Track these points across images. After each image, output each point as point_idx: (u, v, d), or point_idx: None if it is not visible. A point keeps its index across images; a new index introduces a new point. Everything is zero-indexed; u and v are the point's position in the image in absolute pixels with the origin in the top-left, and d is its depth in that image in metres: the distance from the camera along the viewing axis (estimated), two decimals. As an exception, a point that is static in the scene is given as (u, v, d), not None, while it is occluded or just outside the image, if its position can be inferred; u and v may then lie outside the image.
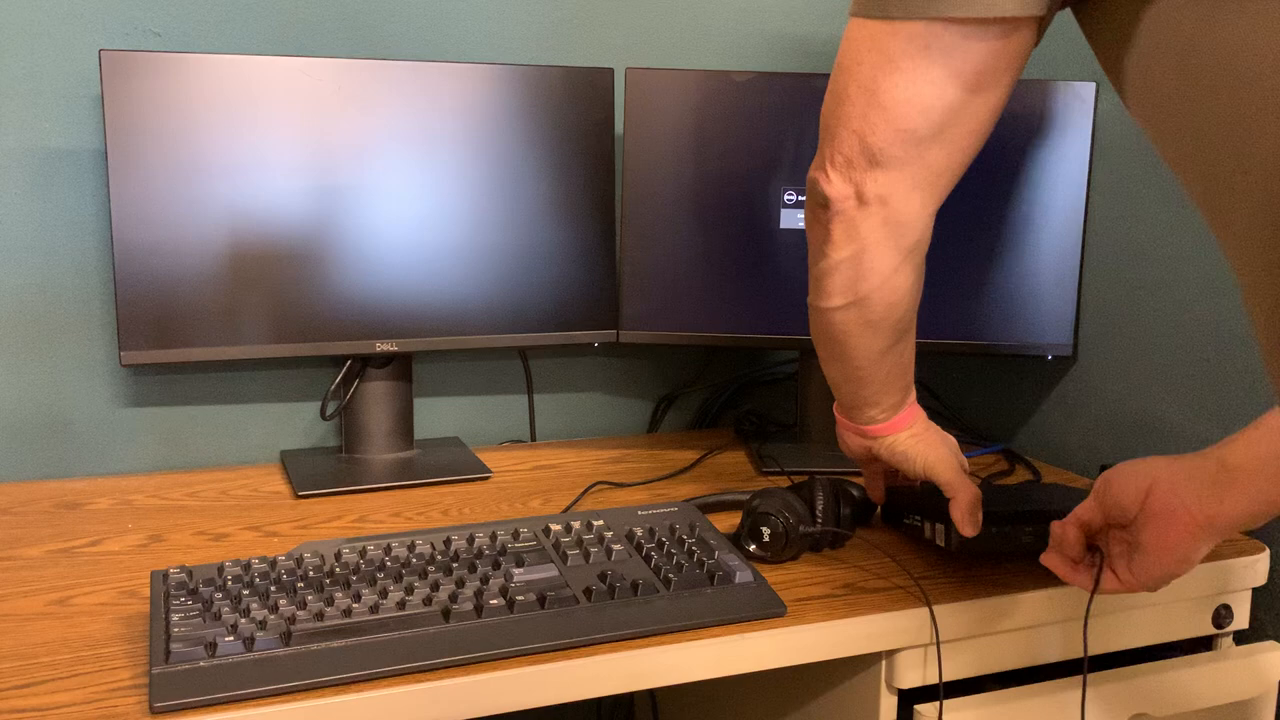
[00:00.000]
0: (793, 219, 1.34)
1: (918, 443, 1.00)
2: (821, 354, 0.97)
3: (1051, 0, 0.77)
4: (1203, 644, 1.10)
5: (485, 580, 0.91)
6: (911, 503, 1.06)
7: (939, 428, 1.03)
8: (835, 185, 0.84)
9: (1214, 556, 1.06)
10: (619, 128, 1.42)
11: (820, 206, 0.86)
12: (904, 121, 0.80)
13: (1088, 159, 1.33)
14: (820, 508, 1.03)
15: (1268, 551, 1.09)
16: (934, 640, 0.94)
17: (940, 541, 0.99)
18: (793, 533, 1.00)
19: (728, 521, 1.10)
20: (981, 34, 0.77)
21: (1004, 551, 0.98)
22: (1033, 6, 0.76)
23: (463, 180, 1.28)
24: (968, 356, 1.57)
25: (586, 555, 0.96)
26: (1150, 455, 0.84)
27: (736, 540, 1.03)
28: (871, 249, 0.86)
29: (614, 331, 1.37)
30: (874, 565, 1.03)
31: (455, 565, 0.93)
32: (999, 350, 1.36)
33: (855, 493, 1.09)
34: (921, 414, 1.02)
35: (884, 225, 0.84)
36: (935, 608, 0.94)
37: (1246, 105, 0.65)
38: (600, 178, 1.34)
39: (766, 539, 1.01)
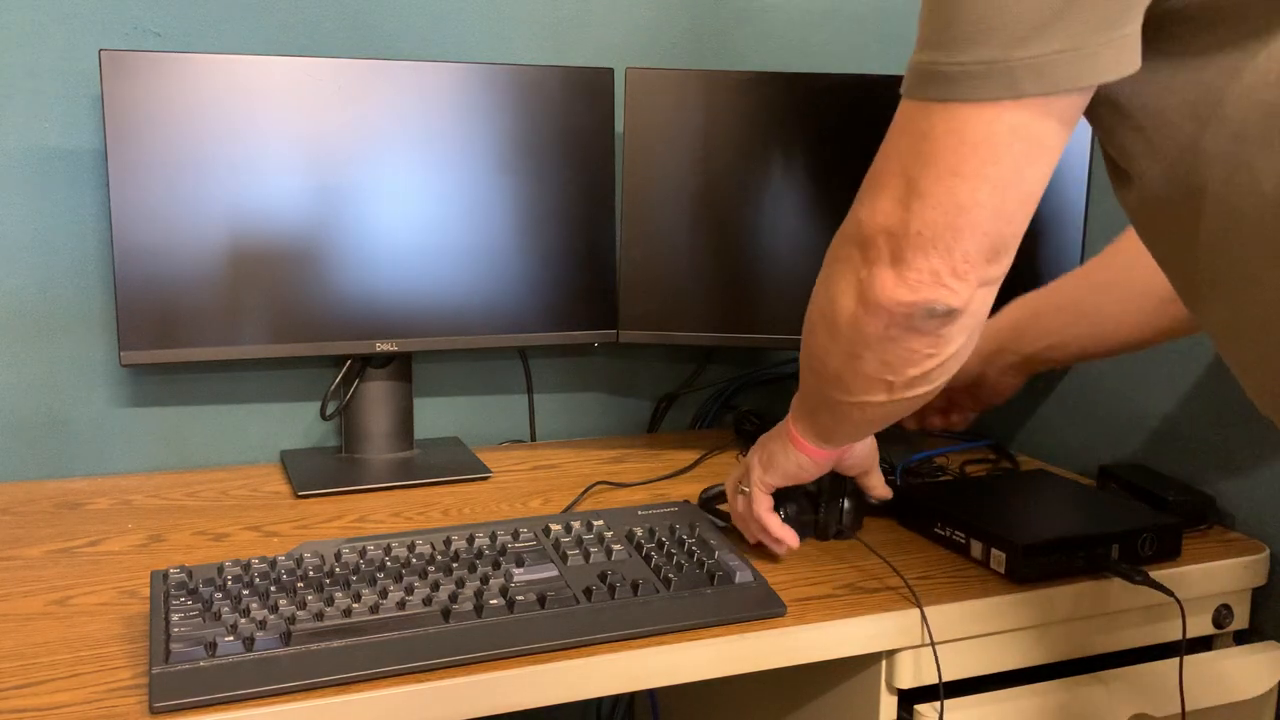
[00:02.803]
0: (792, 220, 1.34)
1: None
2: (873, 425, 0.89)
3: None
4: (1203, 644, 1.10)
5: (485, 580, 0.91)
6: (952, 516, 1.06)
7: None
8: (961, 293, 0.74)
9: (1214, 557, 1.06)
10: (619, 128, 1.42)
11: (939, 320, 0.75)
12: (1036, 199, 0.73)
13: (1088, 159, 1.32)
14: (823, 500, 1.05)
15: (1268, 551, 1.09)
16: (930, 641, 0.94)
17: (1000, 569, 0.99)
18: (805, 514, 1.02)
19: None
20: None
21: (1061, 575, 0.99)
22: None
23: (463, 180, 1.28)
24: (968, 356, 1.56)
25: (586, 555, 0.96)
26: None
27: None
28: (978, 327, 0.78)
29: (614, 331, 1.37)
30: (874, 565, 1.02)
31: (455, 565, 0.93)
32: (999, 350, 1.36)
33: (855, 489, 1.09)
34: None
35: (989, 298, 0.77)
36: (937, 608, 0.94)
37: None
38: (600, 178, 1.34)
39: None
